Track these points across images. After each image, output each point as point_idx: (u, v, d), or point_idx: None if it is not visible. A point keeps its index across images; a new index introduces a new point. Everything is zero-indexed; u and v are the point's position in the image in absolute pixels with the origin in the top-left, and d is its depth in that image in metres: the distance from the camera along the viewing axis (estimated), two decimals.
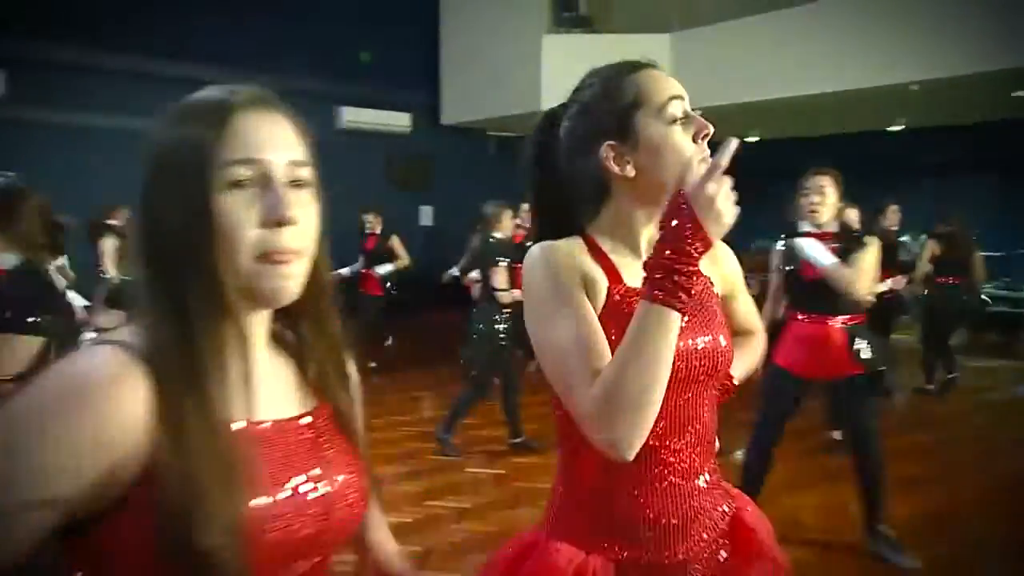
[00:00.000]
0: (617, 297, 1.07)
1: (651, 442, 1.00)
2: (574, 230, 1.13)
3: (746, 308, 1.33)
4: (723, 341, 1.12)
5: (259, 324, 0.81)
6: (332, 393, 0.85)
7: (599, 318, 1.04)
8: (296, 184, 0.76)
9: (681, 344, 1.00)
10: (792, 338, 3.06)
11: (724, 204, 0.91)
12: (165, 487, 0.67)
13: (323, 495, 0.78)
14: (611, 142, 1.07)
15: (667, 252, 0.92)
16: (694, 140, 1.05)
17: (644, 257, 1.06)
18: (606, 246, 1.12)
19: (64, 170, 6.69)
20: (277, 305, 0.78)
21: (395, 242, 6.62)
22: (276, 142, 0.76)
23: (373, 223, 6.62)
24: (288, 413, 0.80)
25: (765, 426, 3.08)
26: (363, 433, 0.89)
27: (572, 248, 1.09)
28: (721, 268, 1.23)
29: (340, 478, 0.81)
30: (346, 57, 9.08)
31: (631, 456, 0.96)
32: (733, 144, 0.92)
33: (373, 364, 6.19)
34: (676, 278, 0.91)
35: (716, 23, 8.05)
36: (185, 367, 0.71)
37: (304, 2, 8.79)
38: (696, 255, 0.92)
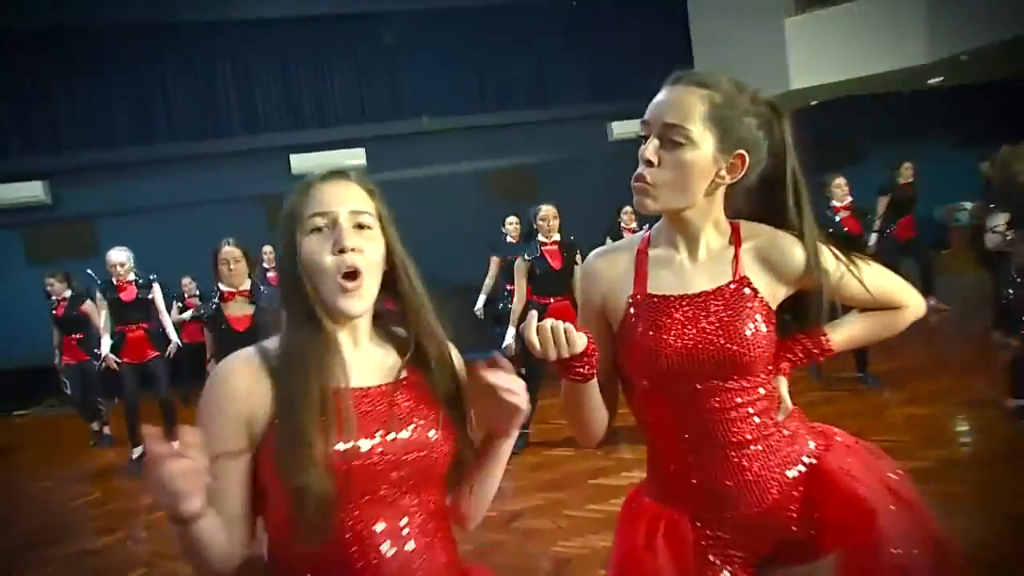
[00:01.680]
0: (636, 306, 1.26)
1: (708, 425, 1.23)
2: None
3: (870, 295, 1.31)
4: (747, 332, 1.21)
5: (357, 322, 1.09)
6: (418, 367, 1.10)
7: (624, 319, 1.27)
8: (359, 227, 1.06)
9: (679, 357, 1.21)
10: None
11: (546, 343, 1.09)
12: (277, 435, 0.98)
13: (390, 443, 1.01)
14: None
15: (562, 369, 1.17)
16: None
17: (683, 259, 1.28)
18: (654, 247, 1.31)
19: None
20: (352, 316, 1.06)
21: None
22: (341, 199, 1.06)
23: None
24: (372, 383, 1.06)
25: None
26: (455, 400, 1.12)
27: (615, 254, 1.33)
28: (783, 271, 1.26)
29: (405, 434, 1.03)
30: (607, 78, 10.46)
31: (589, 446, 1.32)
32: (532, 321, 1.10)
33: None
34: (569, 374, 1.17)
35: None
36: (293, 357, 1.01)
37: (575, 43, 10.37)
38: (574, 373, 1.16)
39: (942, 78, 10.22)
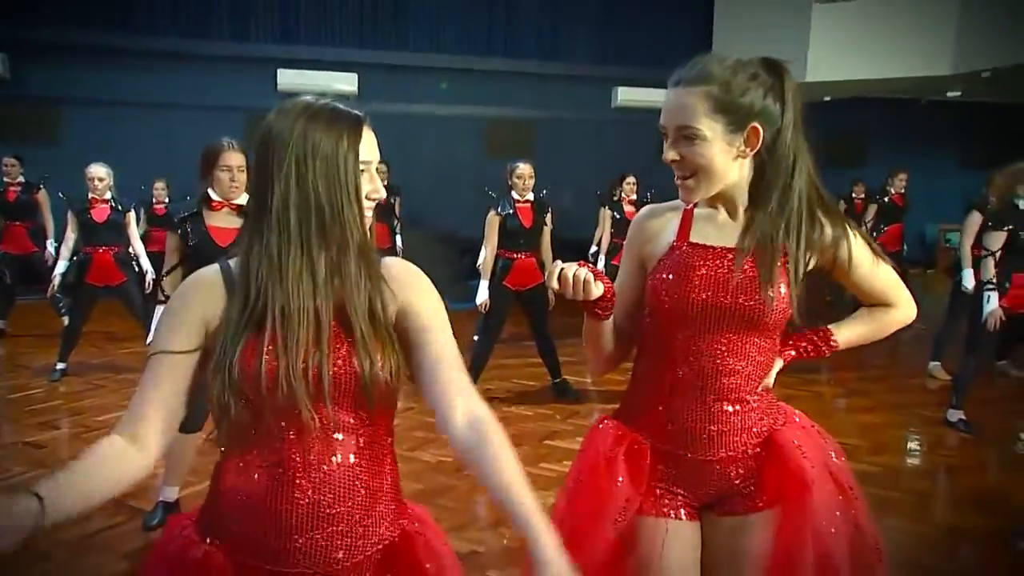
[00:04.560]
0: (676, 250, 1.48)
1: (704, 368, 1.44)
2: None
3: (872, 285, 1.55)
4: (768, 291, 1.41)
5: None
6: (346, 292, 1.19)
7: (661, 262, 1.49)
8: (379, 172, 1.27)
9: (704, 296, 1.43)
10: None
11: None
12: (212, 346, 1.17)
13: (313, 363, 1.14)
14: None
15: None
16: None
17: (726, 218, 1.48)
18: (701, 207, 1.51)
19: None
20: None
21: None
22: (374, 150, 1.24)
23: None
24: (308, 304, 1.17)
25: None
26: (370, 322, 1.19)
27: (663, 211, 1.55)
28: (826, 247, 1.48)
29: (324, 354, 1.15)
30: (620, 42, 10.53)
31: (598, 375, 1.88)
32: None
33: None
34: (588, 313, 1.46)
35: None
36: (253, 275, 1.17)
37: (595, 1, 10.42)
38: (592, 314, 1.45)
39: (960, 92, 10.50)
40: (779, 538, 1.43)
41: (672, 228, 1.50)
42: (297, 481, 1.16)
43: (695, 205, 1.50)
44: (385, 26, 9.70)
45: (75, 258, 5.34)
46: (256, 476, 1.17)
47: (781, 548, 1.42)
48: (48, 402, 4.89)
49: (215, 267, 1.23)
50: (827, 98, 10.31)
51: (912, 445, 4.43)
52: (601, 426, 1.57)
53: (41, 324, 6.74)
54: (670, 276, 1.45)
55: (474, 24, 10.05)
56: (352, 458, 1.19)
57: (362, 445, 1.20)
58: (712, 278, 1.43)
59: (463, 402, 1.18)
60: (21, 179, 6.46)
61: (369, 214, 1.24)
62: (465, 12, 9.98)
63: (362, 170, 1.21)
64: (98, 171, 5.27)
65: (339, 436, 1.18)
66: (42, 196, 6.48)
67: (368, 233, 1.23)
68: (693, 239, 1.47)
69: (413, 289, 1.26)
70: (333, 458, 1.18)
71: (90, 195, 5.29)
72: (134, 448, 1.15)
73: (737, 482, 1.48)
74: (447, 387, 1.19)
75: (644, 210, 1.58)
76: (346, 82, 9.30)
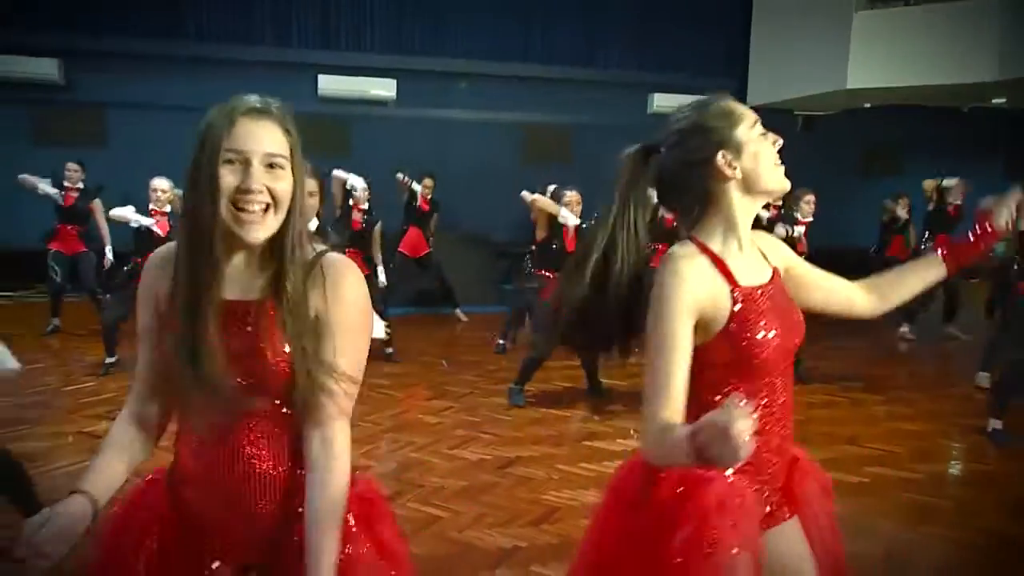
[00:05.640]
0: (741, 298, 1.41)
1: (775, 404, 1.45)
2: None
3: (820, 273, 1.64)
4: (800, 313, 1.51)
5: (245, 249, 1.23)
6: (274, 293, 1.22)
7: (732, 319, 1.39)
8: (271, 166, 1.20)
9: (777, 340, 1.41)
10: None
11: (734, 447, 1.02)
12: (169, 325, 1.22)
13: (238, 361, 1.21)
14: (723, 151, 1.43)
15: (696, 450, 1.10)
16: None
17: (740, 254, 1.45)
18: (715, 247, 1.45)
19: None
20: (249, 242, 1.20)
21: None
22: (258, 140, 1.18)
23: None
24: (243, 297, 1.23)
25: None
26: (304, 325, 1.22)
27: (694, 259, 1.41)
28: (778, 255, 1.57)
29: (251, 355, 1.21)
30: (656, 48, 10.59)
31: None
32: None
33: None
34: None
35: None
36: (185, 263, 1.20)
37: (631, 6, 10.48)
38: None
39: (1004, 100, 10.37)
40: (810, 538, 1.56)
41: (712, 275, 1.41)
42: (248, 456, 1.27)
43: (707, 246, 1.44)
44: (424, 33, 9.85)
45: (126, 267, 5.52)
46: (208, 449, 1.28)
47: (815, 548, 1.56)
48: (101, 395, 5.09)
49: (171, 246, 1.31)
50: (867, 105, 10.26)
51: (953, 453, 4.43)
52: (695, 481, 1.40)
53: (90, 321, 6.96)
54: (742, 328, 1.40)
55: (511, 30, 10.17)
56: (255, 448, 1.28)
57: (264, 428, 1.27)
58: (775, 319, 1.43)
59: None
60: (80, 185, 6.68)
61: (257, 207, 1.18)
62: (502, 19, 10.11)
63: (230, 159, 1.17)
64: (161, 183, 5.55)
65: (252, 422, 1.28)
66: (96, 205, 6.64)
67: (242, 228, 1.18)
68: (742, 283, 1.42)
69: (329, 297, 1.26)
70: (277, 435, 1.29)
71: (151, 206, 5.51)
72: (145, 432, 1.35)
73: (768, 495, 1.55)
74: None
75: (682, 264, 1.39)
76: (385, 87, 9.48)
